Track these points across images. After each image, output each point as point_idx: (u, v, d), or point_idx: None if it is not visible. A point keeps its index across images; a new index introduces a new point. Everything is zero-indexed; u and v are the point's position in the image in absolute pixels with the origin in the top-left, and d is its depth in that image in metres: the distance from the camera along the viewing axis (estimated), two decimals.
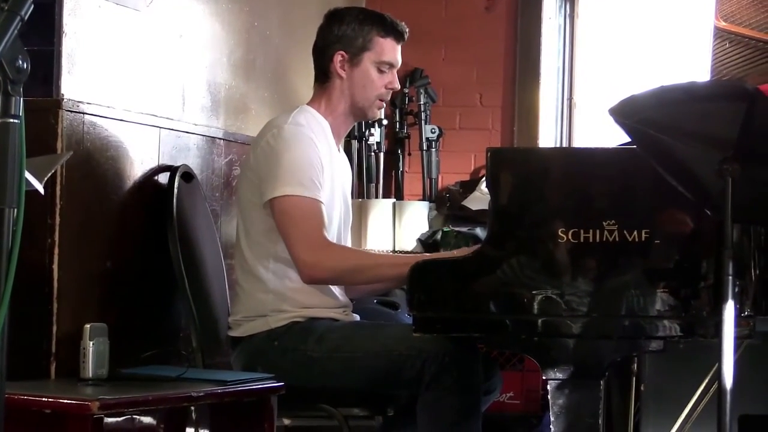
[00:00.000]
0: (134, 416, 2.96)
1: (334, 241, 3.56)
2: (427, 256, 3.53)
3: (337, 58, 3.57)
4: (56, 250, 3.25)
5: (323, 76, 3.62)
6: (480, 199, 5.14)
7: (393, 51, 3.60)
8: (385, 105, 3.73)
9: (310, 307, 3.49)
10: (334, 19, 3.61)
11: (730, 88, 2.82)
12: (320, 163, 3.45)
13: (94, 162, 3.42)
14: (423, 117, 5.38)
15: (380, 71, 3.59)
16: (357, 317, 3.63)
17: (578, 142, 5.58)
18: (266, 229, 3.46)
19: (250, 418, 3.28)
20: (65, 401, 2.83)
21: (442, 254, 3.57)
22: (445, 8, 5.53)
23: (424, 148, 5.36)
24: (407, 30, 3.64)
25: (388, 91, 3.62)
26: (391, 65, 3.60)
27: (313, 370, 3.39)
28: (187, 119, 3.93)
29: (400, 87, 3.73)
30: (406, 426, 3.50)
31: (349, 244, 3.72)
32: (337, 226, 3.58)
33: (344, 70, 3.57)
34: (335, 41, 3.58)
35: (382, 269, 3.44)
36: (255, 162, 3.49)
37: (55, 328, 3.26)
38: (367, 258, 3.53)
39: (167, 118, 3.79)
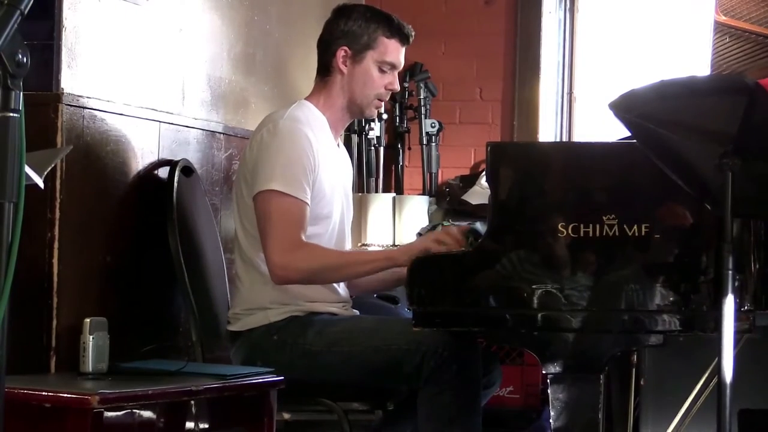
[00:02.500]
0: (134, 410, 2.95)
1: (334, 236, 3.56)
2: (395, 250, 3.54)
3: (340, 53, 3.57)
4: (56, 245, 3.25)
5: (325, 70, 3.62)
6: (480, 193, 5.14)
7: (396, 52, 3.60)
8: (383, 105, 3.72)
9: (309, 301, 3.49)
10: (341, 14, 3.61)
11: (730, 82, 2.82)
12: (312, 163, 3.44)
13: (94, 156, 3.42)
14: (423, 111, 5.39)
15: (381, 71, 3.58)
16: (357, 312, 3.63)
17: (578, 137, 5.58)
18: None
19: (249, 413, 3.28)
20: (65, 395, 2.83)
21: (412, 243, 3.54)
22: (444, 2, 5.53)
23: (424, 142, 5.36)
24: (413, 33, 3.63)
25: (387, 91, 3.62)
26: (393, 66, 3.60)
27: (313, 365, 3.39)
28: (187, 113, 3.93)
29: (399, 89, 3.73)
30: (405, 420, 3.51)
31: (349, 239, 3.72)
32: (338, 222, 3.59)
33: (346, 66, 3.57)
34: (340, 36, 3.57)
35: (352, 267, 3.45)
36: (250, 156, 3.49)
37: (54, 323, 3.26)
38: (336, 257, 3.50)
39: (167, 113, 3.79)
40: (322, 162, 3.48)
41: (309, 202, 3.42)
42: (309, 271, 3.39)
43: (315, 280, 3.46)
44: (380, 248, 5.09)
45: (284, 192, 3.38)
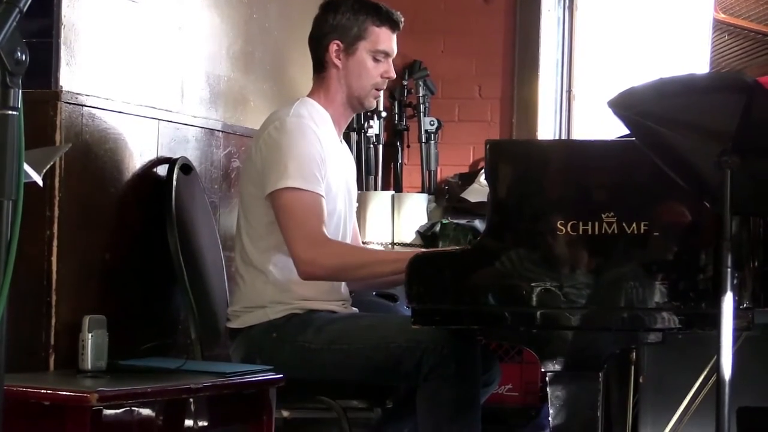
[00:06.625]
0: (133, 408, 2.95)
1: (339, 232, 3.56)
2: (425, 251, 3.52)
3: (333, 47, 3.57)
4: (55, 243, 3.25)
5: (320, 66, 3.62)
6: (479, 191, 5.14)
7: (388, 40, 3.61)
8: (381, 94, 3.73)
9: (309, 299, 3.49)
10: (329, 8, 3.62)
11: (729, 80, 2.82)
12: (321, 157, 3.45)
13: (93, 154, 3.42)
14: (422, 109, 5.38)
15: (375, 60, 3.59)
16: (356, 310, 3.63)
17: (577, 135, 5.58)
18: (268, 221, 3.46)
19: (248, 410, 3.28)
20: (64, 393, 2.83)
21: (441, 249, 3.58)
22: (444, 0, 5.53)
23: (423, 140, 5.36)
24: (402, 19, 3.64)
25: (384, 80, 3.62)
26: (387, 54, 3.61)
27: (312, 362, 3.39)
28: (186, 111, 3.93)
29: (395, 75, 3.73)
30: (405, 418, 3.51)
31: (349, 235, 3.71)
32: (341, 218, 3.58)
33: (340, 60, 3.58)
34: (330, 31, 3.58)
35: (379, 266, 3.44)
36: (257, 154, 3.49)
37: (53, 320, 3.26)
38: (364, 254, 3.53)
39: (166, 110, 3.79)
40: (327, 158, 3.48)
41: (324, 195, 3.43)
42: (335, 268, 3.39)
43: (341, 276, 3.47)
44: (380, 246, 5.09)
45: (301, 188, 3.38)
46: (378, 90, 3.64)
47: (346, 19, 3.57)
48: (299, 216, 3.38)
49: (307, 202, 3.39)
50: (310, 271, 3.38)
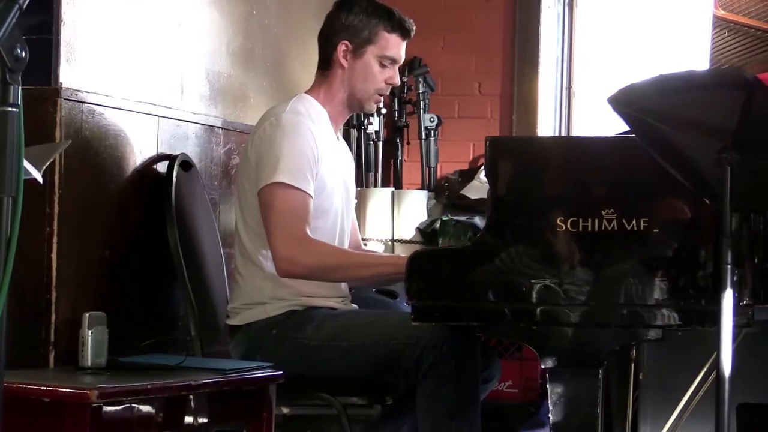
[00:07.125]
0: (133, 405, 2.95)
1: (336, 229, 3.56)
2: (401, 257, 3.42)
3: (341, 47, 3.57)
4: (55, 239, 3.25)
5: (326, 63, 3.61)
6: (479, 188, 5.14)
7: (397, 47, 3.60)
8: (382, 99, 3.72)
9: (308, 295, 3.49)
10: (343, 7, 3.61)
11: (729, 76, 2.81)
12: (315, 155, 3.45)
13: (93, 151, 3.42)
14: (422, 106, 5.38)
15: (382, 65, 3.58)
16: (355, 307, 3.63)
17: (577, 131, 5.58)
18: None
19: (248, 407, 3.28)
20: (64, 390, 2.83)
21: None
22: None
23: (423, 137, 5.36)
24: (414, 28, 3.63)
25: (387, 86, 3.62)
26: (394, 61, 3.60)
27: (312, 359, 3.39)
28: (186, 108, 3.93)
29: (399, 83, 3.72)
30: (404, 415, 3.51)
31: (348, 233, 3.71)
32: (338, 215, 3.58)
33: (346, 60, 3.57)
34: (341, 30, 3.57)
35: (358, 269, 3.44)
36: (252, 150, 3.49)
37: (53, 317, 3.26)
38: (344, 257, 3.50)
39: (166, 107, 3.79)
40: (323, 155, 3.48)
41: (313, 195, 3.42)
42: (314, 267, 3.38)
43: (319, 276, 3.45)
44: (380, 243, 5.09)
45: (289, 184, 3.38)
46: (380, 95, 3.63)
47: (359, 21, 3.56)
48: (282, 212, 3.37)
49: (293, 200, 3.38)
50: (287, 269, 3.37)
